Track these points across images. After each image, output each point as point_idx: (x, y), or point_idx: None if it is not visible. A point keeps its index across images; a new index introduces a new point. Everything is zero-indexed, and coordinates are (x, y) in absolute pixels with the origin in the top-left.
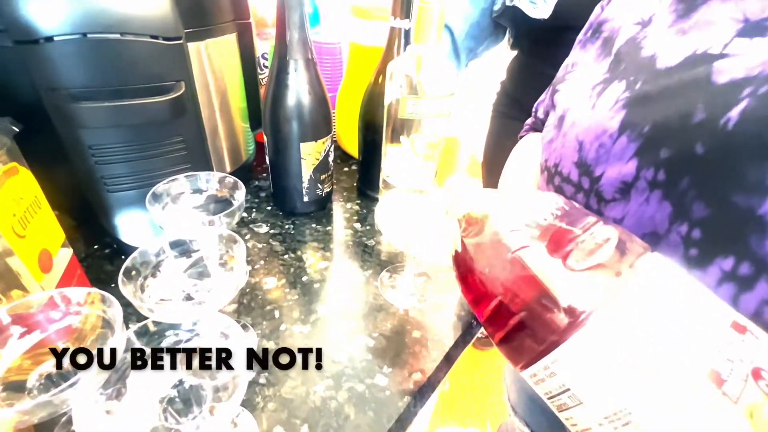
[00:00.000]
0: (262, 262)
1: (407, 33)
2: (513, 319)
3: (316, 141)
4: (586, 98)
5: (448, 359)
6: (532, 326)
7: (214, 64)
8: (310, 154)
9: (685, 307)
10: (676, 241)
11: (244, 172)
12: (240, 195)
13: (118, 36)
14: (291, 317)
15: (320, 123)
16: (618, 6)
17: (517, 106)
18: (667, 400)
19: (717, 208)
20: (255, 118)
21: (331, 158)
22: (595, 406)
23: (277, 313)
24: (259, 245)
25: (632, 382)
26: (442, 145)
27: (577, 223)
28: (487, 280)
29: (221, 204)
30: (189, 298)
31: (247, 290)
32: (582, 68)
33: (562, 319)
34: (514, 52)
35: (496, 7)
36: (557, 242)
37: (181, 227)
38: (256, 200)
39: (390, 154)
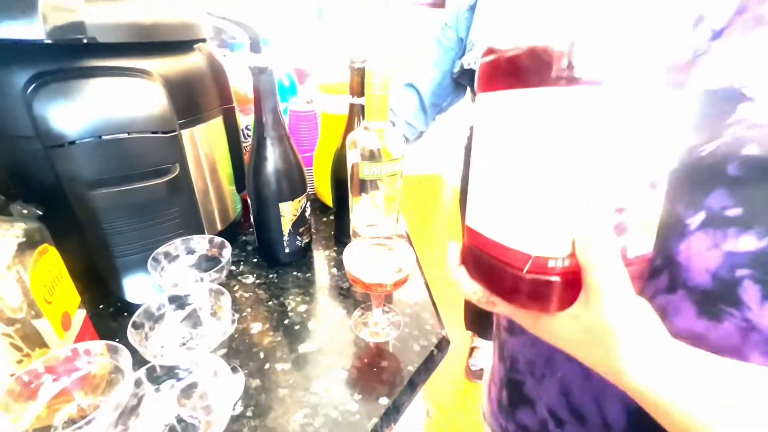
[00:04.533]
0: (249, 309)
1: (363, 107)
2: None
3: (293, 200)
4: None
5: (412, 384)
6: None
7: (204, 144)
8: (289, 212)
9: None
10: None
11: (233, 228)
12: (227, 252)
13: (126, 135)
14: (274, 357)
15: (296, 184)
16: None
17: None
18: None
19: None
20: (240, 181)
21: (307, 213)
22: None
23: (262, 354)
24: (246, 294)
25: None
26: (399, 198)
27: None
28: None
29: (211, 261)
30: (185, 344)
31: (236, 335)
32: None
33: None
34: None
35: (456, 69)
36: None
37: (177, 284)
38: (244, 254)
39: (356, 207)
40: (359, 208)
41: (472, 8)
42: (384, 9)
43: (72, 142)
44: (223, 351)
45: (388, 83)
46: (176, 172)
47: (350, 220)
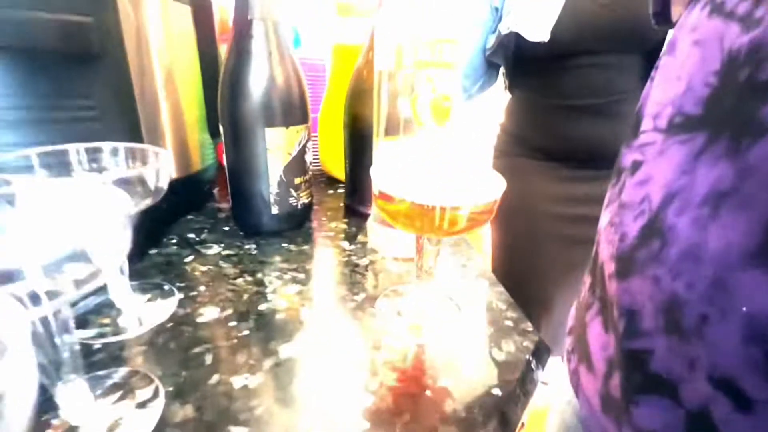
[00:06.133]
0: (201, 288)
1: None
2: None
3: (287, 127)
4: None
5: (505, 421)
6: None
7: (160, 32)
8: (280, 147)
9: None
10: None
11: (197, 188)
12: (157, 160)
13: None
14: (231, 363)
15: (293, 104)
16: None
17: (521, 143)
18: None
19: None
20: (215, 128)
21: (308, 158)
22: None
23: (208, 358)
24: (203, 268)
25: None
26: (453, 116)
27: None
28: None
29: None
30: None
31: (169, 324)
32: None
33: None
34: (508, 96)
35: (489, 45)
36: None
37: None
38: (211, 220)
39: (382, 151)
40: (387, 151)
41: None
42: None
43: None
44: (140, 349)
45: None
46: (86, 18)
47: (370, 173)
